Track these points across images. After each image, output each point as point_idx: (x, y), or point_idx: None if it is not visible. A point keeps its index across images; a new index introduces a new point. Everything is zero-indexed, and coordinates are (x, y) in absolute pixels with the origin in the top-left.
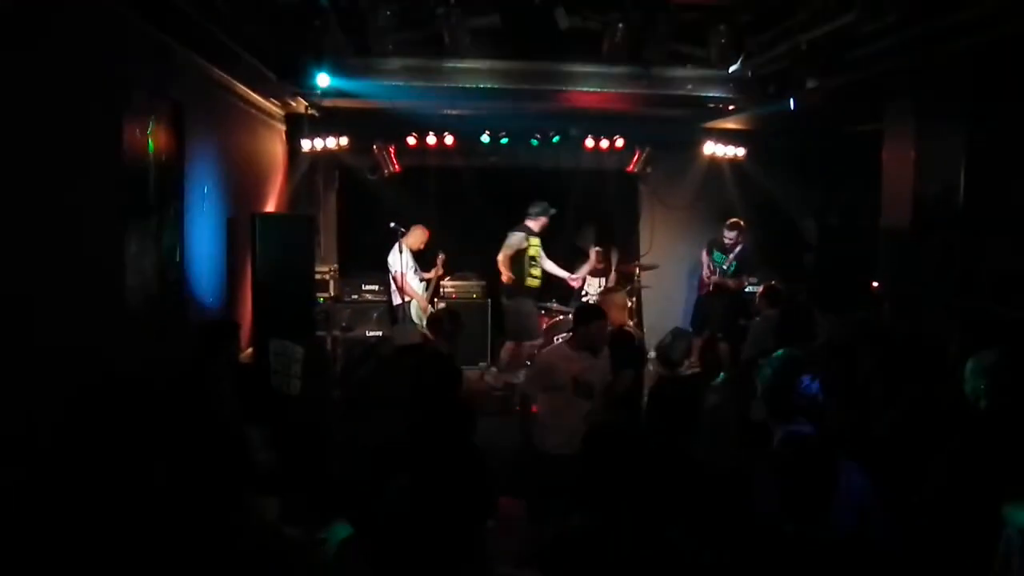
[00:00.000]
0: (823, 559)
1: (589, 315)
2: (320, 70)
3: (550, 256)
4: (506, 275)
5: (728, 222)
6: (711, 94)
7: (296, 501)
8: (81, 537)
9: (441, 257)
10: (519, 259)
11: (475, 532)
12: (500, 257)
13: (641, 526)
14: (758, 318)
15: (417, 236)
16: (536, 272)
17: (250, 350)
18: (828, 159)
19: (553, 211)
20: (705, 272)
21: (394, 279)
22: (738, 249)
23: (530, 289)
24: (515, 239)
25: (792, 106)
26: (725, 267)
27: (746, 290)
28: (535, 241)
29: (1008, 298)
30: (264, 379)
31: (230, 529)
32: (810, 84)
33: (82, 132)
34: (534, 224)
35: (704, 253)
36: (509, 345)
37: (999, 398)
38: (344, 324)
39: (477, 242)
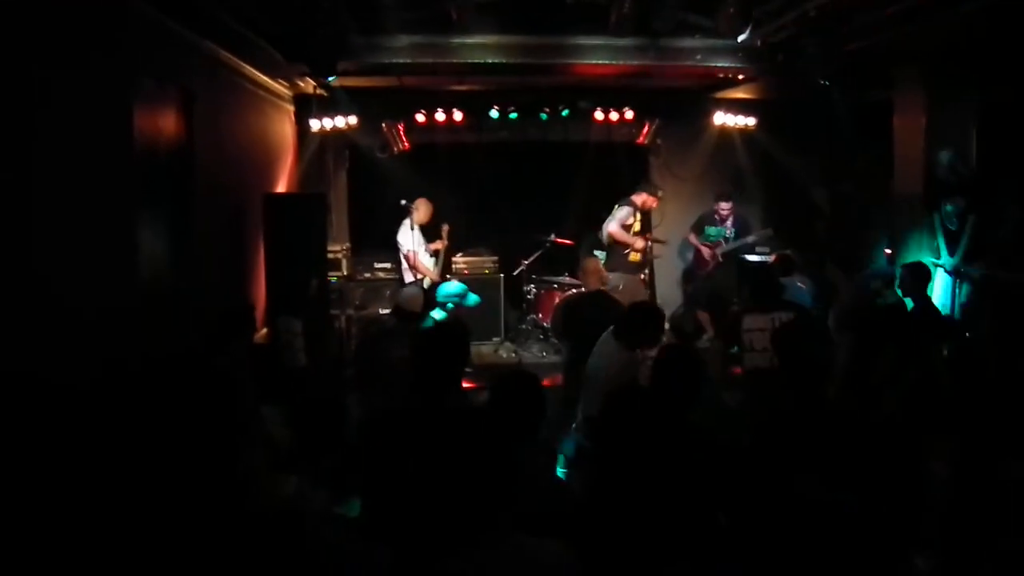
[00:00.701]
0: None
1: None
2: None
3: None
4: (625, 239)
5: (719, 193)
6: (720, 64)
7: (314, 477)
8: (101, 519)
9: (445, 228)
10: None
11: (494, 511)
12: (613, 229)
13: (650, 492)
14: None
15: (423, 211)
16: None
17: (264, 331)
18: (839, 127)
19: (660, 192)
20: (706, 252)
21: (406, 257)
22: (732, 217)
23: (631, 264)
24: (623, 212)
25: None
26: (728, 235)
27: (749, 257)
28: (638, 216)
29: (1019, 263)
30: (278, 358)
31: (247, 509)
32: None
33: (93, 121)
34: (639, 199)
35: (692, 236)
36: None
37: None
38: (357, 303)
39: (488, 218)
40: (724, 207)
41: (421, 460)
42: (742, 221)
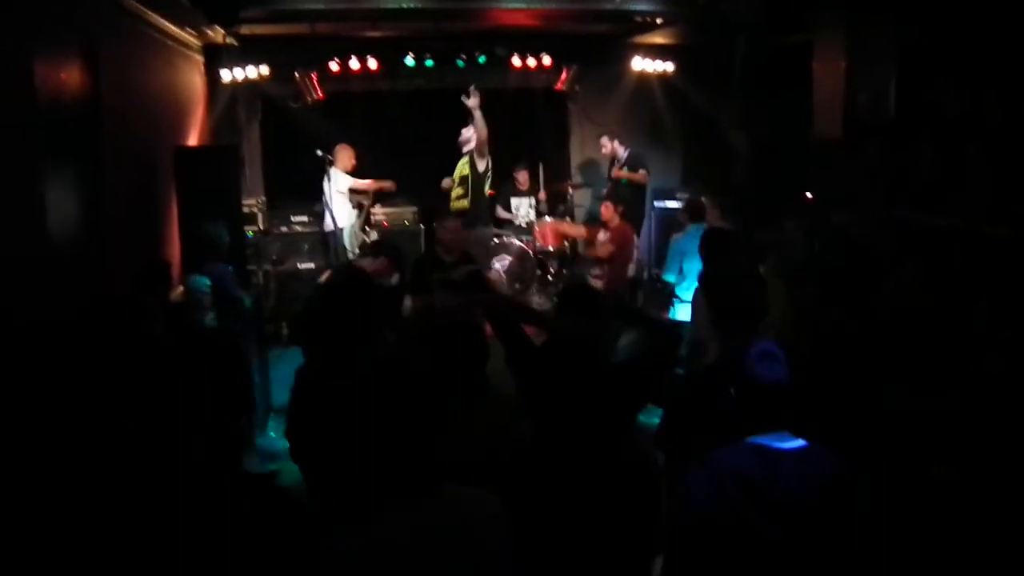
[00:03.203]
0: None
1: None
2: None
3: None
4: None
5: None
6: (640, 8)
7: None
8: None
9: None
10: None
11: (420, 455)
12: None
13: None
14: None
15: (344, 157)
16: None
17: (180, 289)
18: (758, 71)
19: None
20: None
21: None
22: (625, 154)
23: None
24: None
25: None
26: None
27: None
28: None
29: (936, 206)
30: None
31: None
32: None
33: None
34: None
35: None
36: None
37: None
38: (275, 257)
39: (406, 167)
40: (605, 143)
41: (343, 416)
42: (635, 158)
